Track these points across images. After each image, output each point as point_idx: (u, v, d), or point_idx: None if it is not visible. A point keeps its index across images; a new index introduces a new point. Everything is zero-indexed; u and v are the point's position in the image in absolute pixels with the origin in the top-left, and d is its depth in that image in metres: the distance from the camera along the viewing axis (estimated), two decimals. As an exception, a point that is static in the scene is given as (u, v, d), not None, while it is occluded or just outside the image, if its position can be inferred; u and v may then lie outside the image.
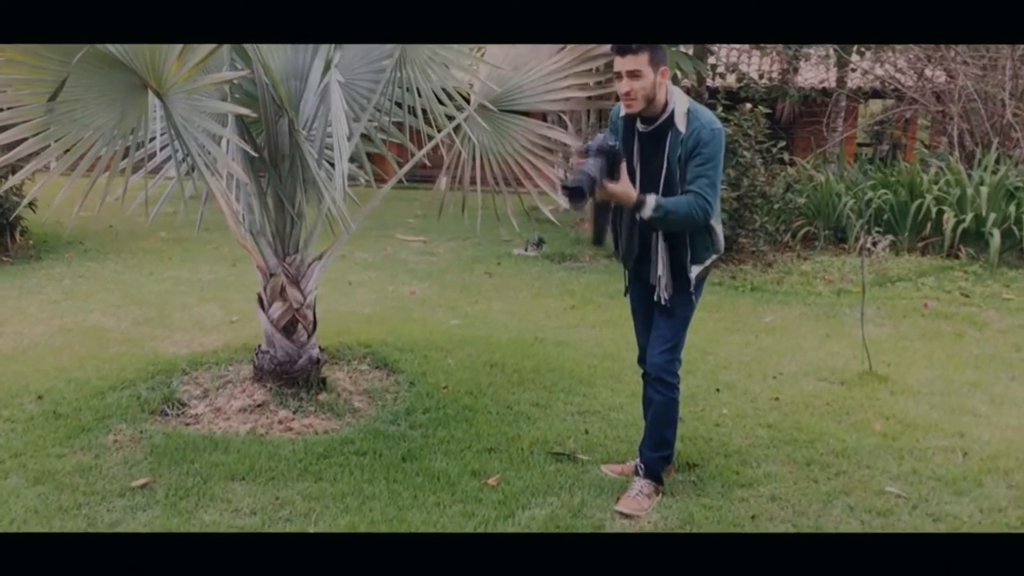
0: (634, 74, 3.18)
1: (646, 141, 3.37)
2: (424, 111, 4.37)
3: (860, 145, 15.81)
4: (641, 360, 3.69)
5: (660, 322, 3.50)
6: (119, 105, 3.46)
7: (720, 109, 8.63)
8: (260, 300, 4.40)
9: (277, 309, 4.35)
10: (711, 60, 11.92)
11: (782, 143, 9.01)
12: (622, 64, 3.21)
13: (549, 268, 8.62)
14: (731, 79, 13.17)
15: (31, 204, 8.61)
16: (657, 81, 3.21)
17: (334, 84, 3.79)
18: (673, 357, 3.47)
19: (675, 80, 9.06)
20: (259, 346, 4.49)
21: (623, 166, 3.17)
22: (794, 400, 4.70)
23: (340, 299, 7.07)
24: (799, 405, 4.62)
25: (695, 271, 3.41)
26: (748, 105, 8.74)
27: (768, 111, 8.74)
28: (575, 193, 3.03)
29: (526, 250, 9.30)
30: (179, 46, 3.21)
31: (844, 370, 5.27)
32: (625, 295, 3.69)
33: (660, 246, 3.38)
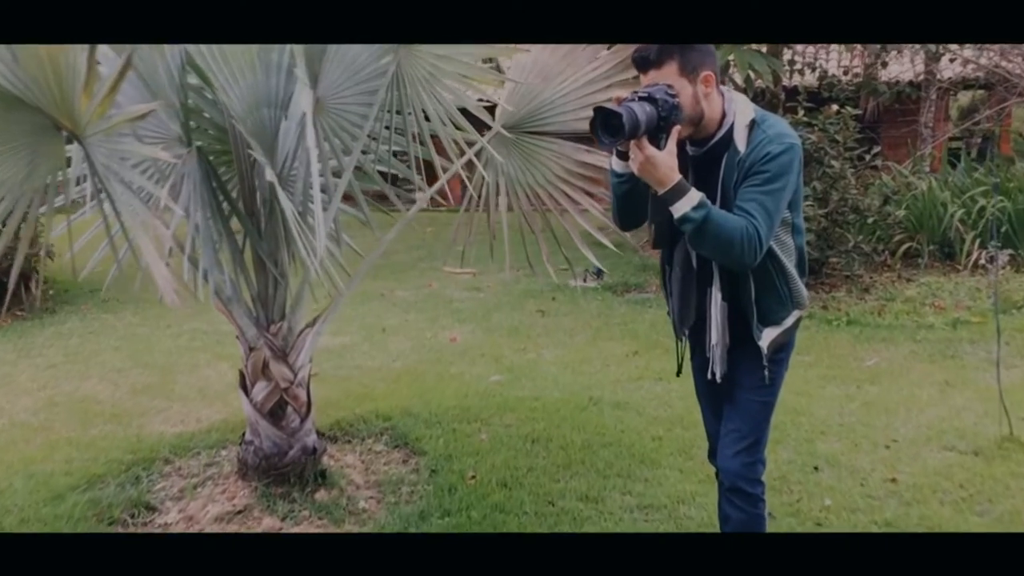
0: (671, 93, 2.38)
1: (699, 167, 2.54)
2: (434, 137, 3.60)
3: (952, 139, 14.50)
4: (712, 455, 2.85)
5: (731, 411, 2.65)
6: (26, 154, 2.75)
7: (802, 112, 7.68)
8: (241, 378, 3.67)
9: (261, 390, 3.62)
10: (786, 56, 10.91)
11: (875, 148, 8.00)
12: (646, 81, 2.42)
13: (610, 302, 7.76)
14: (811, 77, 12.11)
15: (49, 253, 8.14)
16: (700, 93, 2.40)
17: (308, 109, 3.05)
18: (753, 459, 2.61)
19: (748, 82, 8.14)
20: (243, 435, 3.76)
21: (675, 134, 2.35)
22: (916, 481, 3.77)
23: (371, 351, 6.36)
24: (924, 489, 3.69)
25: (767, 336, 2.56)
26: (834, 107, 7.76)
27: (857, 112, 7.74)
28: (610, 121, 2.25)
29: (584, 280, 8.46)
30: (83, 74, 2.49)
31: (976, 433, 4.30)
32: (678, 374, 2.84)
33: (714, 300, 2.54)
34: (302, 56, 3.12)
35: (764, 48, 8.99)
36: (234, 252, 3.56)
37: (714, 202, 2.47)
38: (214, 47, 3.15)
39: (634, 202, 2.55)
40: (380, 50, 3.40)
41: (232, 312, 3.50)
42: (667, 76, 2.37)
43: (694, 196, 2.34)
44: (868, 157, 7.79)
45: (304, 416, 3.70)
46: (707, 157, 2.50)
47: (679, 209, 2.34)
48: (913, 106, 12.47)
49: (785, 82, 10.20)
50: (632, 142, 2.33)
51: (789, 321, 2.61)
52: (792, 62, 10.84)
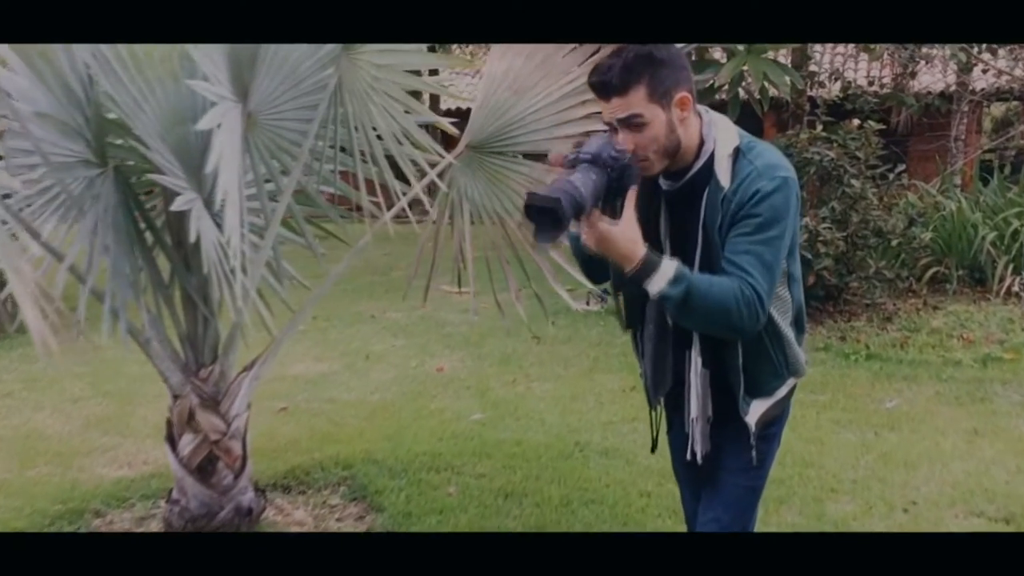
0: (632, 123, 1.98)
1: (675, 205, 2.13)
2: (390, 156, 3.20)
3: (984, 155, 13.93)
4: (692, 538, 2.43)
5: (711, 496, 2.24)
6: None
7: (820, 127, 7.22)
8: (168, 429, 3.27)
9: (187, 443, 3.22)
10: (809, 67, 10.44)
11: (901, 167, 7.51)
12: (609, 111, 2.00)
13: (612, 328, 7.31)
14: (834, 89, 11.62)
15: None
16: (675, 119, 1.99)
17: (236, 126, 2.66)
18: None
19: (764, 94, 7.68)
20: (169, 492, 3.36)
21: (631, 197, 1.94)
22: (938, 556, 3.29)
23: (350, 381, 5.96)
24: (946, 566, 3.22)
25: (756, 410, 2.14)
26: (855, 121, 7.28)
27: (881, 126, 7.26)
28: (544, 216, 1.82)
29: (588, 304, 8.03)
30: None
31: (1007, 495, 3.83)
32: (653, 450, 2.41)
33: (694, 366, 2.11)
34: (222, 62, 2.73)
35: (780, 55, 8.54)
36: (158, 287, 3.17)
37: (694, 247, 2.05)
38: (123, 51, 2.76)
39: (600, 263, 2.12)
40: (321, 58, 3.00)
41: (151, 355, 3.11)
42: (634, 103, 1.95)
43: (668, 269, 1.94)
44: (892, 175, 7.30)
45: (238, 471, 3.30)
46: (684, 192, 2.08)
47: (653, 287, 1.94)
48: (943, 120, 11.95)
49: (809, 92, 9.71)
50: (584, 219, 1.92)
51: (783, 391, 2.19)
52: (813, 73, 10.36)
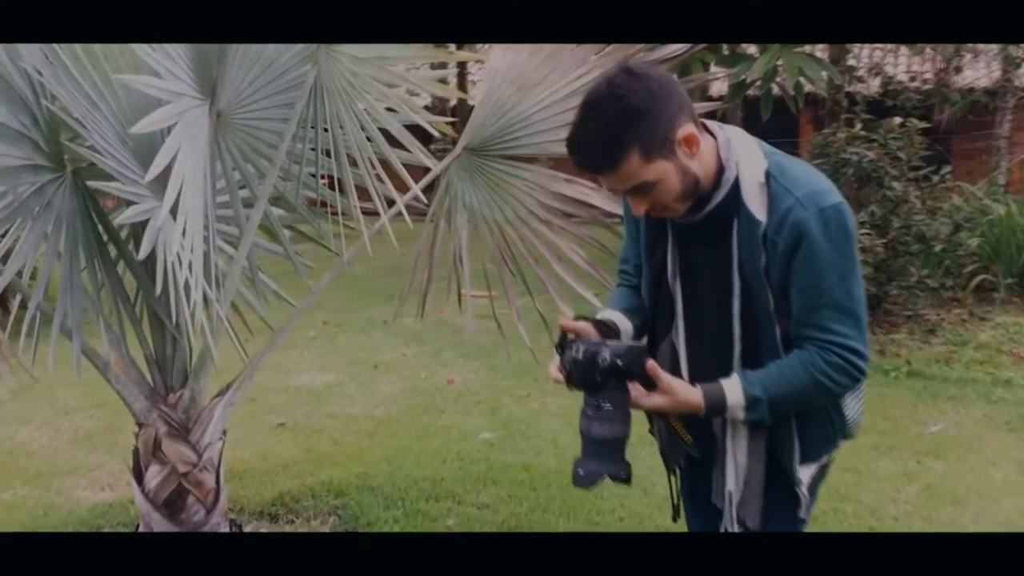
0: (640, 190, 1.68)
1: (690, 239, 1.83)
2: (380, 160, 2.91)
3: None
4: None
5: None
6: None
7: (859, 126, 6.83)
8: (135, 460, 2.99)
9: (154, 475, 2.93)
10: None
11: (946, 168, 7.09)
12: (606, 185, 1.77)
13: (636, 338, 6.98)
14: (873, 85, 11.18)
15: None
16: (684, 161, 1.67)
17: (187, 122, 2.38)
18: None
19: (798, 89, 7.31)
20: (136, 527, 3.09)
21: (653, 366, 1.72)
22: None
23: (355, 393, 5.69)
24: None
25: (806, 474, 1.82)
26: (897, 120, 6.88)
27: (925, 124, 6.86)
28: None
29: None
30: None
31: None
32: (675, 519, 2.08)
33: (732, 435, 1.81)
34: (182, 55, 2.44)
35: (816, 49, 8.16)
36: (122, 303, 2.89)
37: (728, 294, 1.75)
38: (76, 47, 2.49)
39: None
40: (300, 52, 2.71)
41: (109, 379, 2.83)
42: (631, 173, 1.65)
43: (736, 396, 1.71)
44: (936, 177, 6.89)
45: (211, 506, 3.01)
46: (704, 227, 1.76)
47: (736, 417, 1.75)
48: (989, 117, 11.47)
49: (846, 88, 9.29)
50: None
51: (829, 456, 1.88)
52: (852, 67, 9.94)
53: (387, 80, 2.77)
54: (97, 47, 2.53)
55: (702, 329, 1.85)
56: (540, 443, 4.66)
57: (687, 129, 1.64)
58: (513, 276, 3.09)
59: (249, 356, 3.10)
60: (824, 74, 7.43)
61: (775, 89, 7.97)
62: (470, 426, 4.97)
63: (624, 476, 1.70)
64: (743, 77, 7.69)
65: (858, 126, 6.81)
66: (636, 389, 1.70)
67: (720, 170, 1.72)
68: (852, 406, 1.83)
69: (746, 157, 1.72)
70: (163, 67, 2.30)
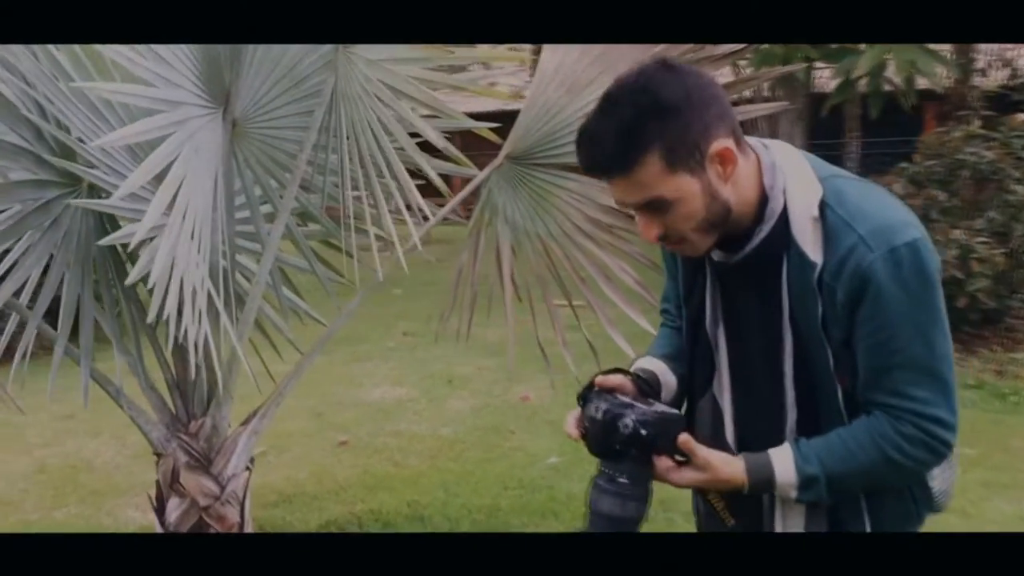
0: (654, 207, 1.37)
1: (732, 282, 1.51)
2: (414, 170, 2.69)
3: None
4: None
5: None
6: None
7: (977, 123, 6.27)
8: (158, 491, 2.85)
9: (173, 508, 2.78)
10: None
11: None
12: (616, 194, 1.40)
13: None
14: (998, 77, 10.38)
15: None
16: (714, 181, 1.36)
17: (216, 138, 2.20)
18: None
19: (909, 85, 6.78)
20: (159, 561, 2.93)
21: (685, 438, 1.44)
22: None
23: (425, 409, 5.51)
24: None
25: None
26: (1021, 116, 6.29)
27: (1053, 121, 6.24)
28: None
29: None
30: None
31: None
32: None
33: (783, 513, 1.51)
34: (190, 59, 2.26)
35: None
36: (140, 326, 2.74)
37: (778, 348, 1.44)
38: (79, 50, 2.34)
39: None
40: (325, 55, 2.50)
41: (122, 406, 2.68)
42: (647, 183, 1.33)
43: (786, 470, 1.40)
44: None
45: (235, 542, 2.83)
46: (747, 269, 1.45)
47: (789, 495, 1.43)
48: None
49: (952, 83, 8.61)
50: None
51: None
52: (973, 59, 9.23)
53: (420, 84, 2.54)
54: (101, 56, 2.38)
55: (750, 386, 1.53)
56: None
57: (724, 144, 1.32)
58: (560, 291, 2.82)
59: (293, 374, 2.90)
60: (939, 67, 6.88)
61: (885, 85, 7.43)
62: (538, 449, 4.70)
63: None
64: (849, 74, 7.18)
65: (976, 123, 6.25)
66: (663, 462, 1.42)
67: (763, 200, 1.39)
68: (941, 477, 1.49)
69: (796, 183, 1.39)
70: (153, 74, 2.11)
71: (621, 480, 1.41)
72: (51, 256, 2.47)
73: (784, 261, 1.39)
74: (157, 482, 2.85)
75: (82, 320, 2.56)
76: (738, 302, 1.50)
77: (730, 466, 1.41)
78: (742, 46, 2.86)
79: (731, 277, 1.49)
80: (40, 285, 2.53)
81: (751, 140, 1.43)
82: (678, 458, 1.43)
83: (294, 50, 2.54)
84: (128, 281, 2.13)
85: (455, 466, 4.46)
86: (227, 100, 2.46)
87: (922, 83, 7.72)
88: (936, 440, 1.35)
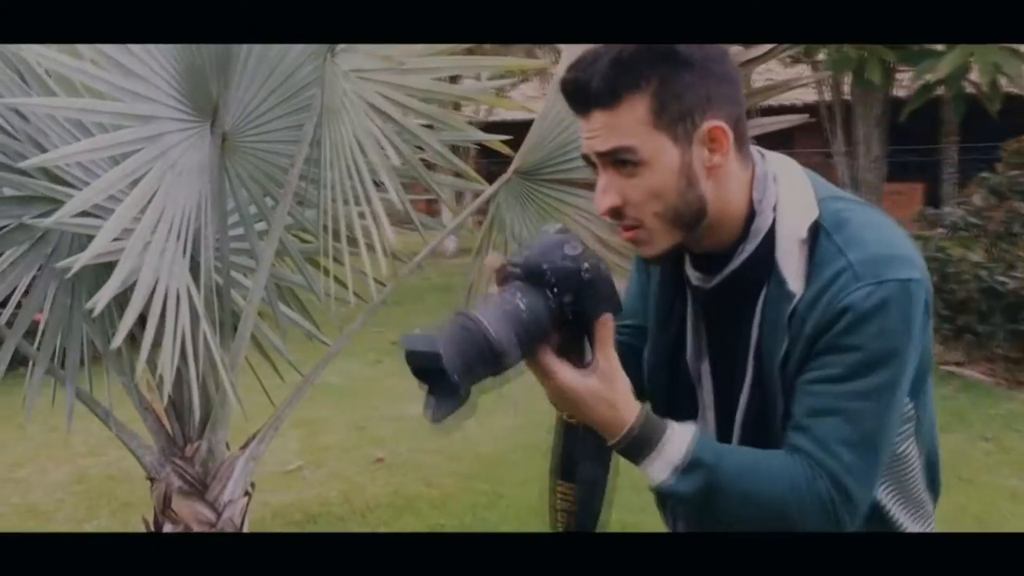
0: (619, 159, 1.18)
1: (712, 310, 1.32)
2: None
3: None
4: None
5: None
6: None
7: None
8: (154, 517, 2.77)
9: (167, 535, 2.69)
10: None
11: None
12: (587, 135, 1.21)
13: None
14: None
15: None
16: (696, 166, 1.19)
17: (206, 151, 2.11)
18: None
19: (993, 88, 6.38)
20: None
21: (604, 330, 1.14)
22: None
23: (471, 425, 5.30)
24: None
25: None
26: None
27: None
28: (428, 375, 1.08)
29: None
30: None
31: None
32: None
33: None
34: (170, 67, 2.17)
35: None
36: (133, 346, 2.66)
37: (739, 387, 1.26)
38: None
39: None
40: (318, 67, 2.39)
41: (111, 427, 2.61)
42: (626, 127, 1.16)
43: (675, 449, 1.15)
44: None
45: (231, 571, 2.73)
46: (723, 293, 1.27)
47: (652, 472, 1.17)
48: None
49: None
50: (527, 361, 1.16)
51: None
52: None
53: (425, 93, 2.41)
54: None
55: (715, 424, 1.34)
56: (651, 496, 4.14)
57: (718, 124, 1.17)
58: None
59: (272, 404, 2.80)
60: (1026, 70, 6.46)
61: (967, 88, 7.03)
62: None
63: (443, 366, 1.05)
64: (928, 78, 6.81)
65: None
66: (564, 352, 1.15)
67: (751, 215, 1.22)
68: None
69: (790, 200, 1.21)
70: (115, 87, 2.01)
71: (519, 302, 1.10)
72: (37, 271, 2.41)
73: (762, 289, 1.21)
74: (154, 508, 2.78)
75: (69, 339, 2.50)
76: (716, 330, 1.31)
77: (617, 404, 1.15)
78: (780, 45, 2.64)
79: (709, 303, 1.30)
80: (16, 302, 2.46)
81: (755, 149, 1.26)
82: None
83: (289, 60, 2.43)
84: (90, 306, 2.03)
85: (488, 487, 4.32)
86: (215, 113, 2.36)
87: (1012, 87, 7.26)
88: (837, 514, 1.14)
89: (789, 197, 1.21)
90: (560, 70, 2.67)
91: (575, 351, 1.16)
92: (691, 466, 1.14)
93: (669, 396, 1.38)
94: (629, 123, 1.15)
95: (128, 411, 2.66)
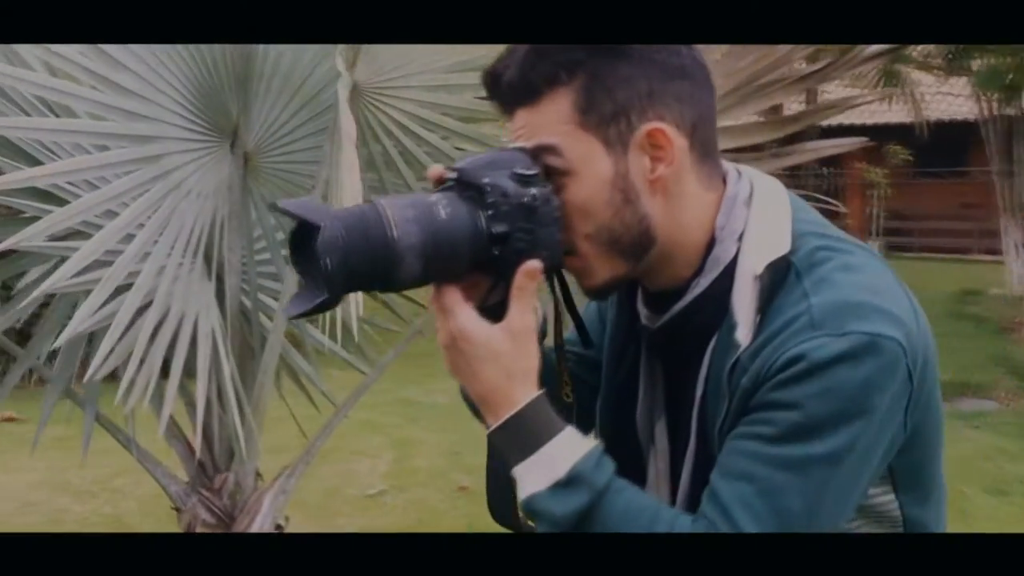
0: (547, 172, 0.95)
1: (662, 355, 1.08)
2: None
3: None
4: None
5: None
6: None
7: None
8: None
9: (193, 567, 2.60)
10: None
11: None
12: (515, 134, 0.99)
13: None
14: None
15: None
16: (634, 175, 0.96)
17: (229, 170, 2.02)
18: None
19: None
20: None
21: (526, 276, 0.93)
22: None
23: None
24: None
25: None
26: None
27: None
28: (306, 259, 0.88)
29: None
30: None
31: None
32: None
33: None
34: (181, 82, 2.08)
35: None
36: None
37: (684, 445, 1.04)
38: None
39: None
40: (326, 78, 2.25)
41: (134, 452, 2.54)
42: (548, 124, 0.96)
43: (560, 457, 0.93)
44: None
45: (257, 609, 2.62)
46: (674, 336, 1.04)
47: (524, 483, 0.95)
48: None
49: None
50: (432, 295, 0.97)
51: None
52: None
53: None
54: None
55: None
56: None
57: (656, 127, 0.95)
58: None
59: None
60: None
61: None
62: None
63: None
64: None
65: None
66: (457, 287, 0.94)
67: (710, 241, 0.99)
68: None
69: (759, 232, 0.98)
70: (106, 106, 1.92)
71: (442, 209, 0.90)
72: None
73: (715, 336, 0.98)
74: (183, 537, 2.70)
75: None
76: (668, 379, 1.08)
77: (528, 376, 0.94)
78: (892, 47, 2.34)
79: (659, 348, 1.07)
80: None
81: (727, 166, 1.03)
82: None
83: (314, 79, 2.31)
84: (87, 329, 1.94)
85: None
86: (235, 133, 2.26)
87: None
88: None
89: (759, 226, 0.98)
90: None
91: (501, 308, 0.94)
92: (573, 483, 0.91)
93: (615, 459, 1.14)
94: (552, 122, 0.95)
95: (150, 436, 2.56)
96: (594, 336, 1.16)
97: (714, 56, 2.18)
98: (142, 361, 2.01)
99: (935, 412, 1.00)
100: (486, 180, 0.91)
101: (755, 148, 1.92)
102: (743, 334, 0.94)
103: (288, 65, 2.27)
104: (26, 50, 1.90)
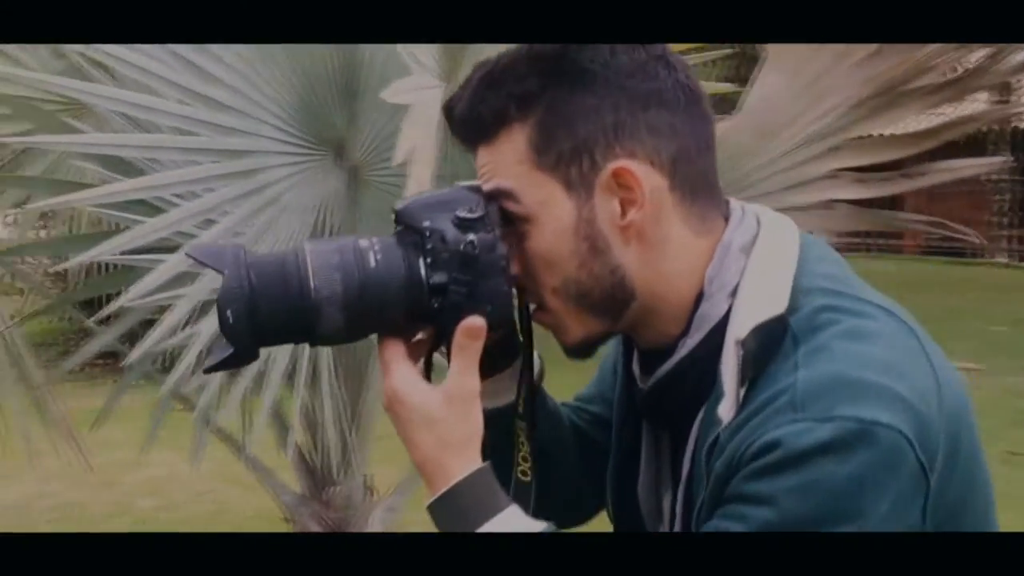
0: (509, 218, 0.86)
1: (659, 421, 0.95)
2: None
3: None
4: None
5: None
6: None
7: None
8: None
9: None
10: None
11: None
12: (481, 172, 0.88)
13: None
14: None
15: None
16: (602, 222, 0.85)
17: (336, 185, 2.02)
18: None
19: None
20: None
21: (467, 336, 0.83)
22: None
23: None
24: None
25: None
26: None
27: None
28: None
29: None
30: None
31: None
32: None
33: None
34: (274, 94, 2.07)
35: None
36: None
37: (673, 499, 0.93)
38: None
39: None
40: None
41: (244, 460, 2.57)
42: (502, 168, 0.86)
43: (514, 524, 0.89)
44: None
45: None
46: (663, 401, 0.92)
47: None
48: None
49: None
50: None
51: None
52: None
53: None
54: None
55: None
56: None
57: (627, 163, 0.83)
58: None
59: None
60: None
61: None
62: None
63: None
64: None
65: None
66: (401, 341, 0.86)
67: (696, 302, 0.86)
68: None
69: (756, 286, 0.84)
70: (194, 121, 1.92)
71: (374, 257, 0.83)
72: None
73: (704, 403, 0.85)
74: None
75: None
76: (664, 448, 0.97)
77: (468, 446, 0.84)
78: None
79: (650, 413, 0.95)
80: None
81: (733, 206, 0.90)
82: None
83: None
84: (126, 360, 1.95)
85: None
86: (341, 146, 2.23)
87: None
88: None
89: (755, 279, 0.84)
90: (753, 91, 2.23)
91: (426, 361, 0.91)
92: None
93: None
94: (509, 162, 0.85)
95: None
96: (605, 393, 1.06)
97: (852, 59, 1.93)
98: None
99: (980, 489, 0.87)
100: (426, 223, 0.82)
101: (882, 167, 1.66)
102: (725, 408, 0.81)
103: (395, 76, 2.21)
104: (116, 62, 1.90)
